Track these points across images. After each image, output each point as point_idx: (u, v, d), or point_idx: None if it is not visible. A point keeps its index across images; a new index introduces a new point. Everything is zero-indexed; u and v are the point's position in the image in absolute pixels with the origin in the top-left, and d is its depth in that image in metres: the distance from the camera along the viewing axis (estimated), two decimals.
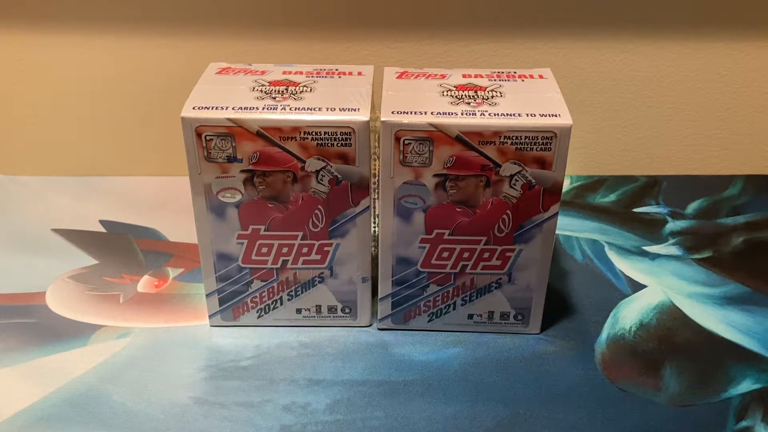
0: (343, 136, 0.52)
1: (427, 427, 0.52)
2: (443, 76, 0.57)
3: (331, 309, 0.60)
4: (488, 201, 0.54)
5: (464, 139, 0.51)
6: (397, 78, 0.57)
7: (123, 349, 0.58)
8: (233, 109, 0.52)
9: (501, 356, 0.58)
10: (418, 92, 0.55)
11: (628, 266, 0.68)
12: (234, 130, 0.52)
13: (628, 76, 0.79)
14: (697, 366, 0.57)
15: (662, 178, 0.82)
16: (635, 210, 0.76)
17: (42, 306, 0.62)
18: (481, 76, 0.57)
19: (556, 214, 0.54)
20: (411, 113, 0.52)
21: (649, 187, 0.80)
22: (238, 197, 0.54)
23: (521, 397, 0.54)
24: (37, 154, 0.82)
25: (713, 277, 0.66)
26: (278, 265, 0.57)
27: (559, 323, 0.61)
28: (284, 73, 0.57)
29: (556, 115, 0.52)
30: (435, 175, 0.53)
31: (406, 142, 0.52)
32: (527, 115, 0.51)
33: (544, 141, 0.51)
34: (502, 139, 0.51)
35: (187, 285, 0.65)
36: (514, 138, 0.51)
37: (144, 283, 0.65)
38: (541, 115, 0.51)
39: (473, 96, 0.54)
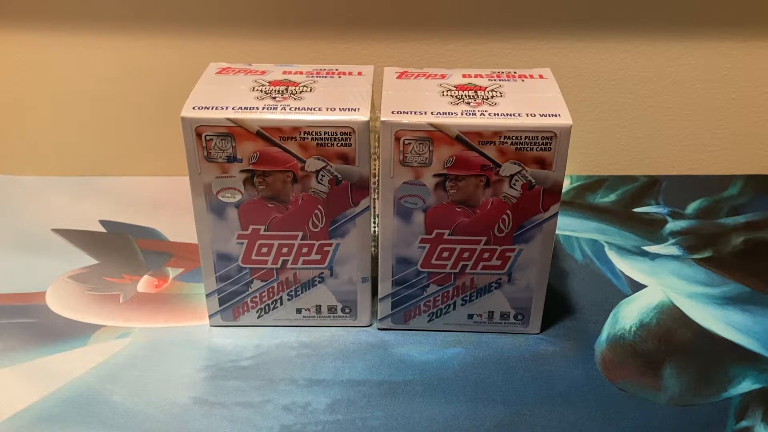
0: (343, 136, 0.52)
1: (427, 427, 0.52)
2: (443, 76, 0.57)
3: (331, 309, 0.60)
4: (488, 201, 0.54)
5: (464, 139, 0.51)
6: (397, 78, 0.57)
7: (123, 349, 0.58)
8: (233, 109, 0.52)
9: (501, 356, 0.58)
10: (418, 92, 0.55)
11: (628, 266, 0.68)
12: (234, 130, 0.52)
13: (628, 76, 0.79)
14: (697, 366, 0.57)
15: (662, 178, 0.82)
16: (635, 210, 0.76)
17: (42, 306, 0.62)
18: (481, 76, 0.57)
19: (556, 214, 0.54)
20: (411, 113, 0.52)
21: (649, 187, 0.80)
22: (238, 197, 0.54)
23: (521, 397, 0.54)
24: (37, 154, 0.82)
25: (713, 277, 0.66)
26: (278, 265, 0.57)
27: (559, 323, 0.61)
28: (284, 73, 0.57)
29: (556, 115, 0.52)
30: (435, 175, 0.53)
31: (406, 142, 0.52)
32: (527, 115, 0.51)
33: (544, 141, 0.51)
34: (502, 139, 0.51)
35: (187, 285, 0.65)
36: (514, 138, 0.51)
37: (144, 283, 0.65)
38: (541, 115, 0.51)
39: (473, 96, 0.54)
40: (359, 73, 0.58)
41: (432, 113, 0.52)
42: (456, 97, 0.54)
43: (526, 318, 0.59)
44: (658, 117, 0.81)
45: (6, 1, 0.74)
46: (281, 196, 0.54)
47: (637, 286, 0.65)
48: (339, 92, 0.54)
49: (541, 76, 0.57)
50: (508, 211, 0.54)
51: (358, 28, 0.76)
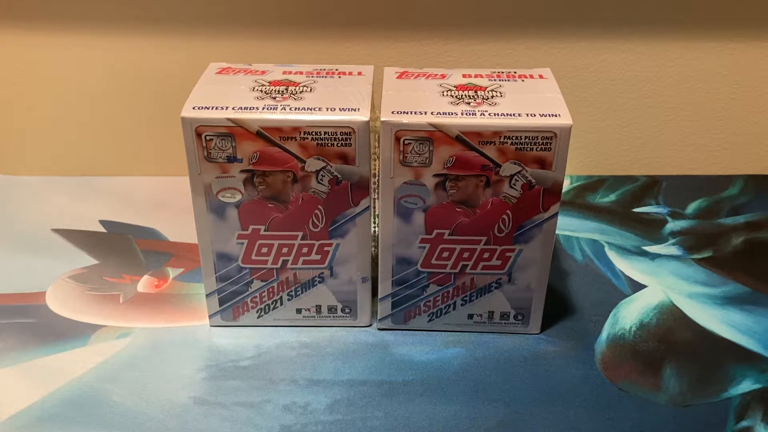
0: (343, 136, 0.52)
1: (427, 427, 0.52)
2: (443, 76, 0.57)
3: (331, 309, 0.60)
4: (488, 201, 0.54)
5: (464, 139, 0.51)
6: (397, 78, 0.57)
7: (123, 349, 0.58)
8: (233, 109, 0.52)
9: (501, 356, 0.58)
10: (418, 92, 0.55)
11: (628, 266, 0.68)
12: (234, 130, 0.52)
13: (628, 76, 0.79)
14: (697, 366, 0.57)
15: (662, 178, 0.82)
16: (635, 210, 0.76)
17: (42, 306, 0.62)
18: (481, 76, 0.57)
19: (556, 214, 0.54)
20: (411, 113, 0.52)
21: (649, 187, 0.80)
22: (238, 197, 0.54)
23: (521, 397, 0.54)
24: (37, 154, 0.82)
25: (713, 277, 0.66)
26: (278, 265, 0.57)
27: (559, 323, 0.61)
28: (284, 73, 0.57)
29: (556, 115, 0.52)
30: (435, 175, 0.53)
31: (406, 142, 0.52)
32: (527, 115, 0.51)
33: (544, 141, 0.51)
34: (502, 139, 0.51)
35: (187, 285, 0.65)
36: (514, 138, 0.51)
37: (144, 283, 0.65)
38: (541, 115, 0.51)
39: (473, 96, 0.54)
40: (359, 73, 0.58)
41: (432, 113, 0.52)
42: (456, 97, 0.54)
43: (526, 318, 0.59)
44: (658, 117, 0.81)
45: (6, 1, 0.74)
46: (281, 196, 0.54)
47: (637, 286, 0.65)
48: (339, 92, 0.54)
49: (541, 76, 0.57)
50: (508, 211, 0.54)
51: (358, 28, 0.76)
